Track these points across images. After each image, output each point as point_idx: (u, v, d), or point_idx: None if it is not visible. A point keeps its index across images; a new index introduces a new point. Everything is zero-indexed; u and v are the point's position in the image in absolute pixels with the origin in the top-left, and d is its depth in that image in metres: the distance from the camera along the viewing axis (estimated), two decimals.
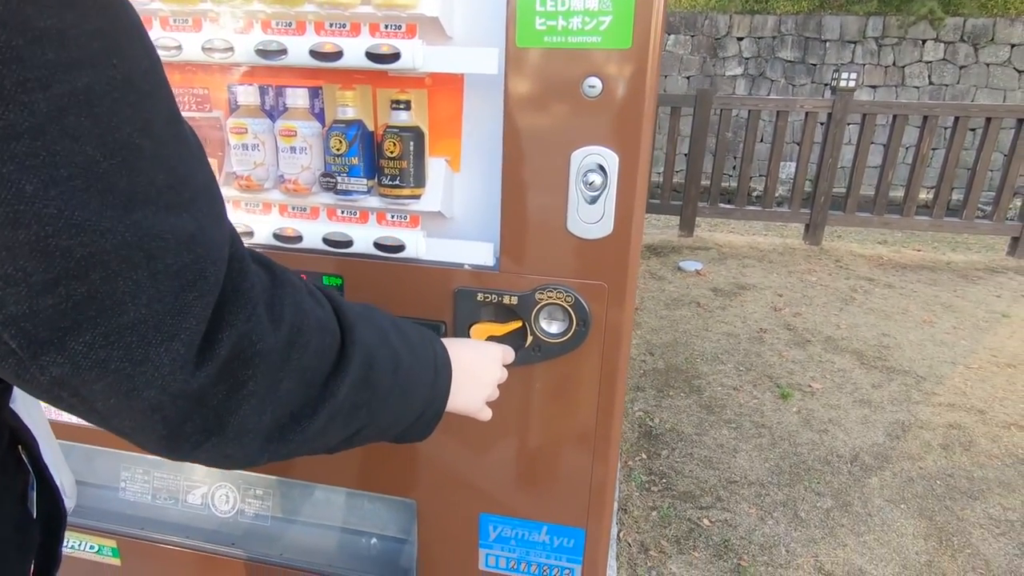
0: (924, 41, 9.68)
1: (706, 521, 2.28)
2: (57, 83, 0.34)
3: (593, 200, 0.86)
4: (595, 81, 0.81)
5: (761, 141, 8.05)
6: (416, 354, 0.63)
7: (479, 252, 0.94)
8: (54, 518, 0.61)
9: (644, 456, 2.63)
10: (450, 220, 0.98)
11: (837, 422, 2.88)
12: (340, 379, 0.51)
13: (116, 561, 1.29)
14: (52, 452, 0.72)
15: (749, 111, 5.20)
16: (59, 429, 1.20)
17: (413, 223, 0.97)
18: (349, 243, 0.96)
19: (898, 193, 5.40)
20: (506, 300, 0.93)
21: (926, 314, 4.03)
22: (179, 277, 0.40)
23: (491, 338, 0.95)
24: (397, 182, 0.93)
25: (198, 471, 1.22)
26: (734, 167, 8.42)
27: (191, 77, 0.98)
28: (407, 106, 0.92)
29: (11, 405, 0.55)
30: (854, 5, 10.17)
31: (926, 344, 3.63)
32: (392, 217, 0.98)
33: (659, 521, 2.27)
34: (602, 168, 0.85)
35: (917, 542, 2.21)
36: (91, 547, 1.29)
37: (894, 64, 9.86)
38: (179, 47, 0.90)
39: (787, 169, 6.58)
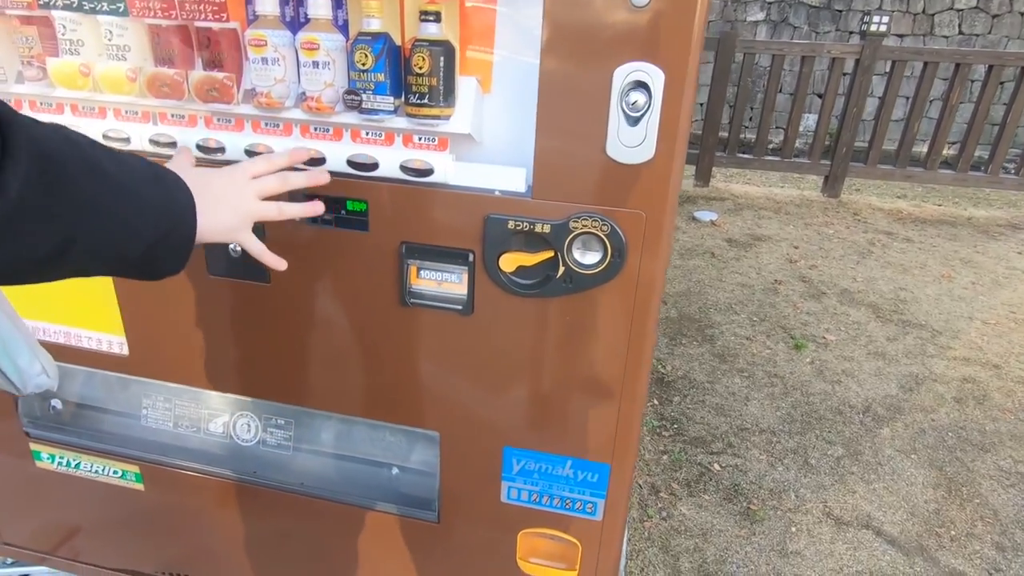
0: None
1: (716, 466, 2.30)
2: None
3: (635, 121, 0.81)
4: None
5: (781, 91, 7.79)
6: (125, 164, 0.60)
7: (511, 178, 0.90)
8: None
9: (656, 402, 2.63)
10: (479, 144, 0.93)
11: (850, 373, 2.87)
12: (3, 175, 0.47)
13: (139, 486, 1.30)
14: (18, 330, 0.70)
15: (773, 56, 5.00)
16: (82, 356, 1.20)
17: (441, 146, 0.93)
18: (374, 166, 0.92)
19: (921, 148, 5.25)
20: (538, 228, 0.89)
21: (944, 269, 3.97)
22: None
23: (520, 268, 0.92)
24: (426, 100, 0.87)
25: (217, 400, 1.22)
26: (750, 118, 8.18)
27: None
28: (437, 18, 0.86)
29: None
30: None
31: (943, 299, 3.59)
32: (419, 139, 0.93)
33: (670, 465, 2.29)
34: (646, 87, 0.80)
35: (926, 491, 2.23)
36: (115, 472, 1.30)
37: (923, 11, 9.42)
38: None
39: (806, 122, 6.39)
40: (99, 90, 0.98)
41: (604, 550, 1.11)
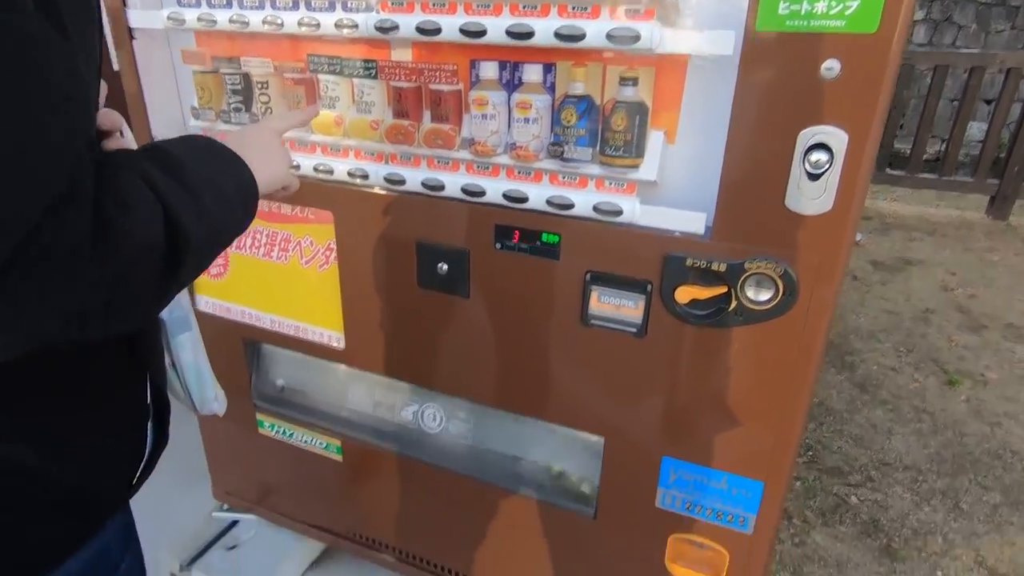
0: None
1: (854, 498, 2.25)
2: None
3: (815, 177, 0.90)
4: (833, 63, 0.84)
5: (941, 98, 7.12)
6: (231, 205, 0.67)
7: (691, 220, 1.02)
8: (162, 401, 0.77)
9: None
10: (661, 187, 1.06)
11: (1014, 416, 2.66)
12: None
13: (339, 457, 1.56)
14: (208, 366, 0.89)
15: (935, 67, 4.65)
16: (306, 346, 1.46)
17: (629, 190, 1.06)
18: (571, 206, 1.07)
19: None
20: (714, 267, 1.00)
21: None
22: None
23: (694, 300, 1.04)
24: (620, 152, 1.02)
25: (411, 392, 1.44)
26: (901, 125, 7.53)
27: (445, 55, 1.12)
28: (635, 82, 0.99)
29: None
30: None
31: None
32: (610, 184, 1.07)
33: (803, 492, 2.28)
34: (827, 147, 0.89)
35: None
36: (320, 443, 1.56)
37: None
38: (439, 29, 1.04)
39: (971, 130, 5.80)
40: (348, 136, 1.22)
41: (752, 563, 1.19)
